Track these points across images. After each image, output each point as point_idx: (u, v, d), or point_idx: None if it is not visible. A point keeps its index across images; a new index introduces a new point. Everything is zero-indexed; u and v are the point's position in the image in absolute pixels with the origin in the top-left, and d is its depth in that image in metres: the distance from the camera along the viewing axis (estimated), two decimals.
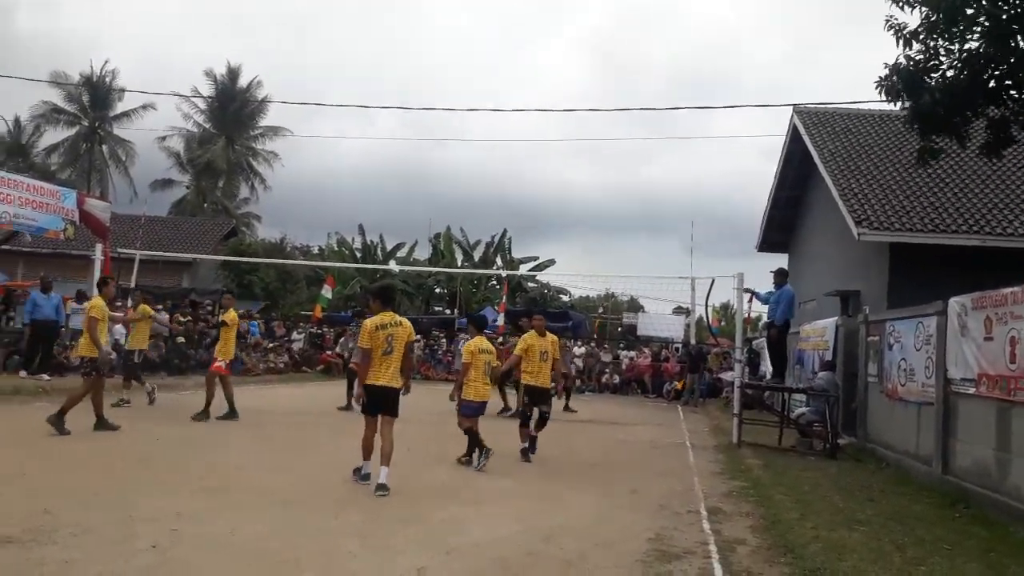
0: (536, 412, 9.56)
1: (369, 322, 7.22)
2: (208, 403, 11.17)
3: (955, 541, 6.12)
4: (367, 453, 7.20)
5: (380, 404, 7.12)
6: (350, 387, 13.57)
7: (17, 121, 44.47)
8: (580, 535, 5.85)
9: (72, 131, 45.10)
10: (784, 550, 5.66)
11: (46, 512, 5.45)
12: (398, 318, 7.35)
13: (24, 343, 15.25)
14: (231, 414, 11.27)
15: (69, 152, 44.93)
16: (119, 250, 19.76)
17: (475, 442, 8.56)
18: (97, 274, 15.22)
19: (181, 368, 18.45)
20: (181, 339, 19.52)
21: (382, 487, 6.75)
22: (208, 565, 4.59)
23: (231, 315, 11.85)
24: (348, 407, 13.17)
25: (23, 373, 14.35)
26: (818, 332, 14.57)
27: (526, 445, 9.44)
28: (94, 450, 8.30)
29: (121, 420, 9.86)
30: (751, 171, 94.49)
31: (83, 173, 44.75)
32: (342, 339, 17.86)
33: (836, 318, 13.92)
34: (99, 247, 15.53)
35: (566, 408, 16.20)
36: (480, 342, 9.08)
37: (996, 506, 7.03)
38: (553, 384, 9.73)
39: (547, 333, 9.83)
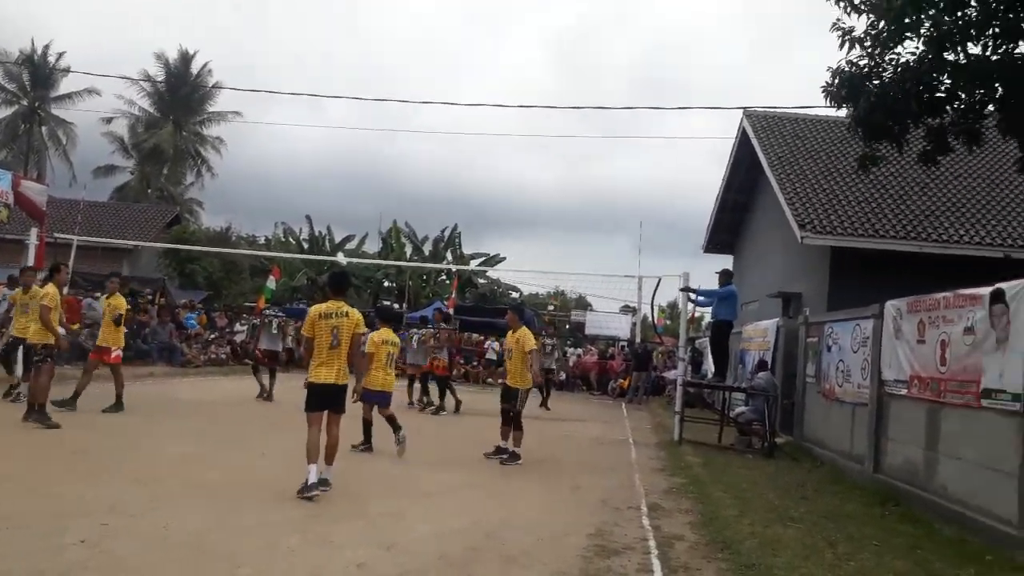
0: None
1: (314, 310, 6.82)
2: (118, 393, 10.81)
3: (884, 538, 6.32)
4: (313, 456, 6.47)
5: (325, 402, 6.70)
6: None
7: None
8: (523, 530, 5.88)
9: (10, 111, 43.46)
10: (721, 546, 5.78)
11: None
12: (345, 308, 6.82)
13: None
14: (117, 406, 10.72)
15: (6, 132, 43.27)
16: (56, 235, 19.09)
17: (367, 432, 9.02)
18: (31, 259, 14.70)
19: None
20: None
21: (324, 482, 6.50)
22: (140, 560, 4.48)
23: (120, 301, 11.24)
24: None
25: None
26: (760, 332, 14.88)
27: (504, 444, 9.35)
28: (26, 441, 8.04)
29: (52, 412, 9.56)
30: (702, 173, 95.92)
31: (20, 155, 43.12)
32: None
33: (778, 319, 14.24)
34: (34, 231, 14.97)
35: (542, 405, 16.22)
36: (386, 334, 9.28)
37: (924, 504, 7.28)
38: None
39: (520, 328, 9.65)
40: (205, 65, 46.19)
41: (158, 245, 30.60)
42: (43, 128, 44.24)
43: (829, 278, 14.18)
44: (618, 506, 7.07)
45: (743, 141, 18.76)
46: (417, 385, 14.79)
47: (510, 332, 9.68)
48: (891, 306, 8.67)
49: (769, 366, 13.03)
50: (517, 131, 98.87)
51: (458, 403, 14.74)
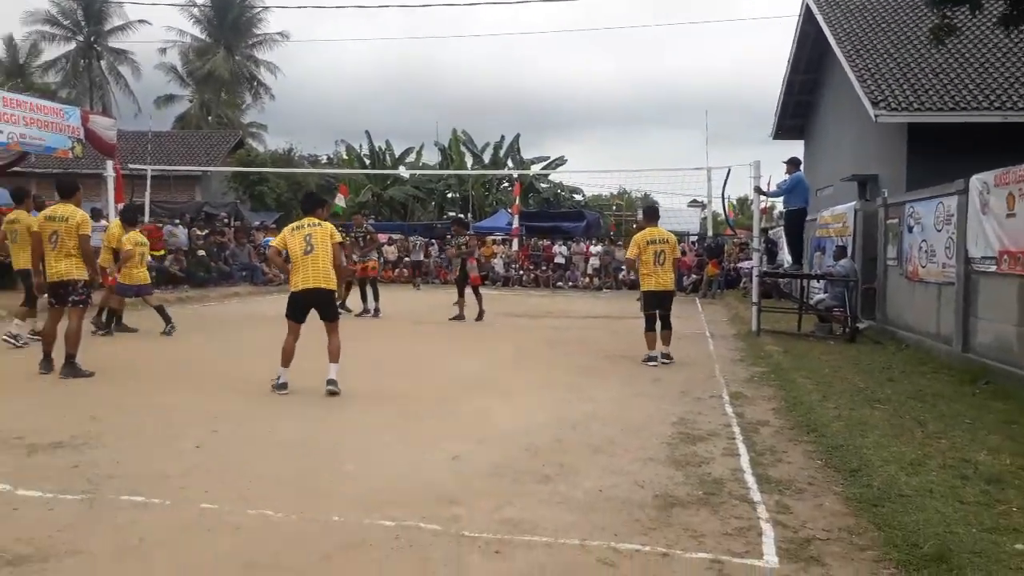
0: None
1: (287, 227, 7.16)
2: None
3: (976, 415, 6.23)
4: (287, 359, 6.83)
5: (310, 308, 6.87)
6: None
7: (11, 40, 43.64)
8: (606, 422, 6.01)
9: (69, 47, 44.24)
10: (807, 429, 5.80)
11: (92, 419, 5.66)
12: (318, 221, 7.02)
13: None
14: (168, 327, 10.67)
15: (68, 69, 44.19)
16: (130, 166, 19.66)
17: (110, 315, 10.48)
18: (111, 191, 15.25)
19: (204, 280, 18.69)
20: (202, 252, 19.68)
21: (332, 383, 6.71)
22: (254, 461, 4.76)
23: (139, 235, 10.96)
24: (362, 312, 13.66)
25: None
26: (837, 218, 14.45)
27: (667, 348, 9.06)
28: (127, 355, 8.51)
29: (150, 332, 10.08)
30: (769, 55, 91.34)
31: (84, 90, 44.13)
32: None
33: (854, 203, 13.78)
34: (110, 164, 15.48)
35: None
36: (135, 235, 10.60)
37: (1018, 380, 7.12)
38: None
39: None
40: None
41: (227, 169, 31.26)
42: (101, 62, 44.96)
43: (907, 156, 13.52)
44: (700, 396, 7.14)
45: (807, 17, 17.74)
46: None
47: (649, 234, 9.04)
48: (977, 180, 8.27)
49: (848, 251, 12.71)
50: (572, 26, 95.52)
51: (481, 312, 13.48)
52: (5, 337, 9.03)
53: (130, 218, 11.05)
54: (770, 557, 3.49)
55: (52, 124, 14.21)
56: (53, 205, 7.63)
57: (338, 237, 7.12)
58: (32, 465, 4.53)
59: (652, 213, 9.82)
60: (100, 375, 7.41)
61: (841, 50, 15.04)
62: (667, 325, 9.12)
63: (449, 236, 15.32)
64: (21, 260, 9.23)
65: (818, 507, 4.15)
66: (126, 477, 4.33)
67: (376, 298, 13.99)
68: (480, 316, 13.27)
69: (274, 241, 7.31)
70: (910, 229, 10.52)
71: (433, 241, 26.48)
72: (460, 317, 13.39)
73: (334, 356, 6.89)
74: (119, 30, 44.46)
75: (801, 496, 4.33)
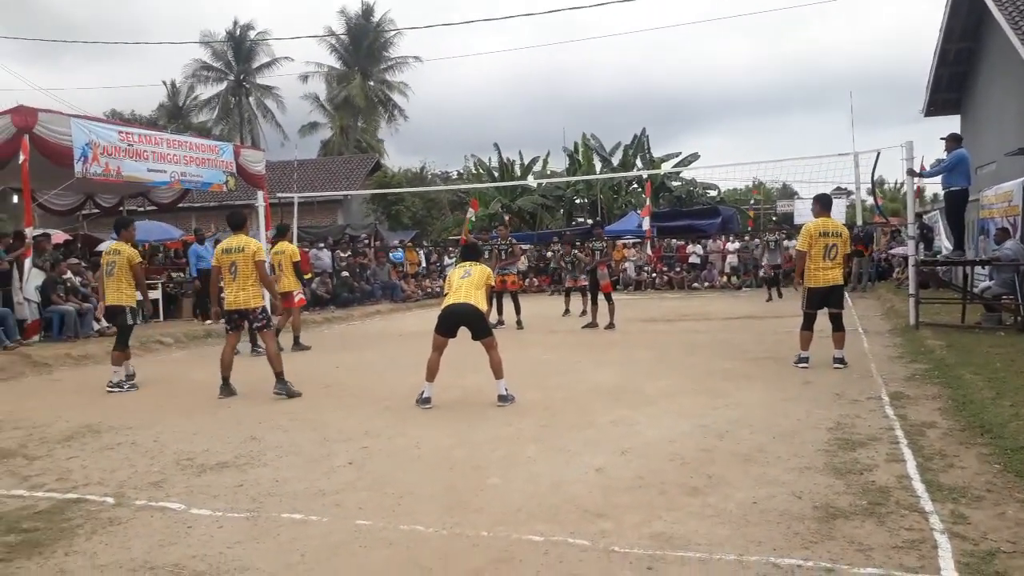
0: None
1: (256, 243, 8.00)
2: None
3: None
4: (431, 375, 7.08)
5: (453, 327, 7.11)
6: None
7: (173, 84, 47.85)
8: (755, 429, 5.75)
9: (221, 87, 47.98)
10: (980, 431, 5.33)
11: (253, 438, 6.02)
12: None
13: (194, 294, 16.28)
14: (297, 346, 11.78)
15: (221, 107, 47.88)
16: (278, 195, 20.90)
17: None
18: (262, 221, 16.24)
19: (348, 300, 19.56)
20: (345, 273, 20.61)
21: (501, 397, 7.04)
22: (403, 476, 4.89)
23: (292, 248, 12.02)
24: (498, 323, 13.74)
25: (207, 321, 15.26)
26: (1003, 197, 13.26)
27: (840, 352, 8.38)
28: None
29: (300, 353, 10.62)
30: (917, 26, 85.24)
31: (235, 126, 47.64)
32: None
33: (1022, 179, 12.59)
34: (260, 195, 16.51)
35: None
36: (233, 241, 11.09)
37: None
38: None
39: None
40: (386, 14, 48.17)
41: (365, 192, 32.65)
42: (250, 99, 48.38)
43: None
44: (856, 398, 6.72)
45: None
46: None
47: (823, 224, 8.41)
48: None
49: (1015, 232, 11.62)
50: (701, 11, 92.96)
51: (612, 322, 13.31)
52: (108, 389, 8.41)
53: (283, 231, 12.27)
54: (948, 572, 3.21)
55: (208, 161, 15.23)
56: (227, 238, 8.24)
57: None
58: (202, 485, 4.85)
59: (826, 202, 8.82)
60: (252, 394, 7.90)
61: (1001, 12, 13.83)
62: (839, 326, 8.39)
63: (583, 243, 15.30)
64: (119, 295, 8.52)
65: (1000, 516, 3.79)
66: (286, 495, 4.56)
67: (517, 310, 14.20)
68: (611, 324, 13.13)
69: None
70: None
71: (558, 248, 26.51)
72: (593, 324, 13.33)
73: (496, 372, 7.15)
74: (265, 67, 47.95)
75: (979, 504, 3.96)
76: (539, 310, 17.17)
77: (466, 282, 7.17)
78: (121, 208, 18.27)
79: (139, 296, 9.01)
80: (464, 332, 7.17)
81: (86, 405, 7.69)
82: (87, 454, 5.71)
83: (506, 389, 7.08)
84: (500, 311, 14.31)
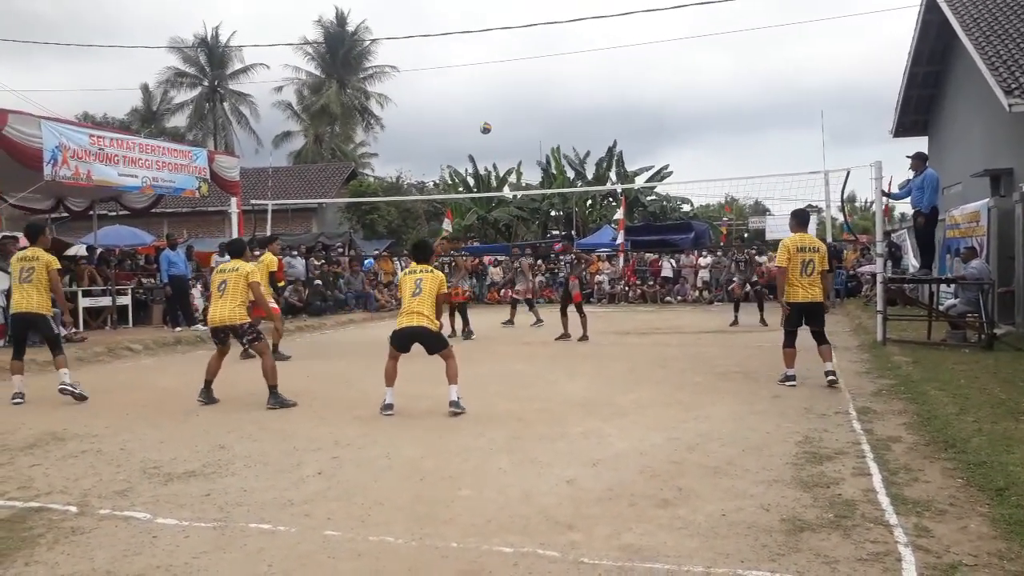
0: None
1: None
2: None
3: None
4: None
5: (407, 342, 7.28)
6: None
7: (146, 88, 47.33)
8: (724, 442, 5.80)
9: (195, 92, 47.54)
10: (944, 445, 5.42)
11: (221, 447, 5.95)
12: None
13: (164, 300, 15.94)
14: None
15: (194, 113, 47.46)
16: (251, 202, 20.75)
17: None
18: (235, 227, 16.11)
19: (321, 309, 19.43)
20: (319, 282, 20.49)
21: (453, 403, 7.05)
22: (373, 486, 4.86)
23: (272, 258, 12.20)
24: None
25: (177, 328, 14.89)
26: (968, 217, 13.55)
27: (831, 366, 8.24)
28: (253, 391, 8.89)
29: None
30: (887, 50, 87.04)
31: (208, 131, 47.25)
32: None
33: (987, 200, 12.88)
34: (233, 201, 16.38)
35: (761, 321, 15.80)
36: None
37: None
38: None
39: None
40: (362, 23, 48.02)
41: (340, 200, 32.52)
42: (225, 104, 48.02)
43: None
44: (824, 412, 6.81)
45: (929, 6, 16.80)
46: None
47: (800, 240, 8.28)
48: None
49: (981, 252, 11.87)
50: (681, 29, 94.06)
51: (584, 334, 13.44)
52: (60, 389, 8.10)
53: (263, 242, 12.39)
54: None
55: (181, 166, 15.11)
56: (222, 263, 8.47)
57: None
58: (168, 494, 4.78)
59: (803, 218, 8.70)
60: (222, 403, 7.84)
61: (968, 37, 14.15)
62: (823, 340, 8.33)
63: (554, 256, 15.73)
64: (41, 301, 8.15)
65: (962, 530, 3.85)
66: (254, 505, 4.51)
67: (465, 322, 14.49)
68: (584, 336, 13.20)
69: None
70: None
71: (538, 262, 26.60)
72: (566, 336, 13.40)
73: (451, 378, 7.19)
74: (240, 73, 47.58)
75: (942, 518, 4.03)
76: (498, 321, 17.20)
77: (416, 301, 7.14)
78: (91, 212, 18.03)
79: (56, 309, 8.54)
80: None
81: (49, 412, 7.55)
82: (50, 462, 5.61)
83: (458, 396, 7.08)
84: (452, 323, 14.53)
